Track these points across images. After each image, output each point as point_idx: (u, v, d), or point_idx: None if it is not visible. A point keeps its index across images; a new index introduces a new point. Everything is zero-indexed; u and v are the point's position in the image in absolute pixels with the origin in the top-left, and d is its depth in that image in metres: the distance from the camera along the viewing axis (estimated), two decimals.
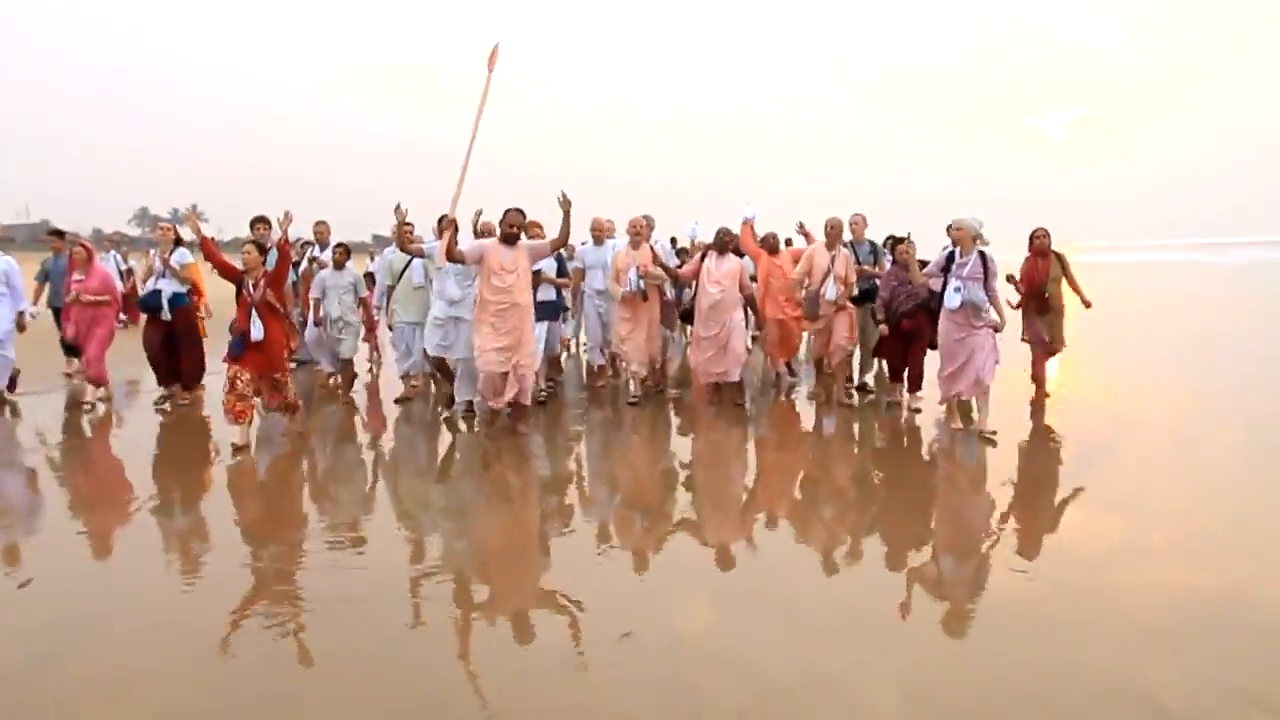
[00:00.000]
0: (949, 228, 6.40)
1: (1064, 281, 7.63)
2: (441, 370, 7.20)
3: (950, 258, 6.40)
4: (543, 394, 7.53)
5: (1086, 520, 4.70)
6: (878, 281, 7.82)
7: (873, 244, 8.02)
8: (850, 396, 7.74)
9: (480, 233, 7.24)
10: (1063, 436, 6.57)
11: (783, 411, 7.83)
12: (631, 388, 7.68)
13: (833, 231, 7.50)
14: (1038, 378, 7.76)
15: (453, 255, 6.29)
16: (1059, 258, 7.65)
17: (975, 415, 6.77)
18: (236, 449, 5.97)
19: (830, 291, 7.43)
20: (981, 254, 6.29)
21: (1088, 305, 7.96)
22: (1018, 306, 7.71)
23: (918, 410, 7.27)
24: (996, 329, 6.39)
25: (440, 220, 6.35)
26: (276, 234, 7.44)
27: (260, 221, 7.72)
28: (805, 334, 8.68)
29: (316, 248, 8.67)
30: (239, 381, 5.98)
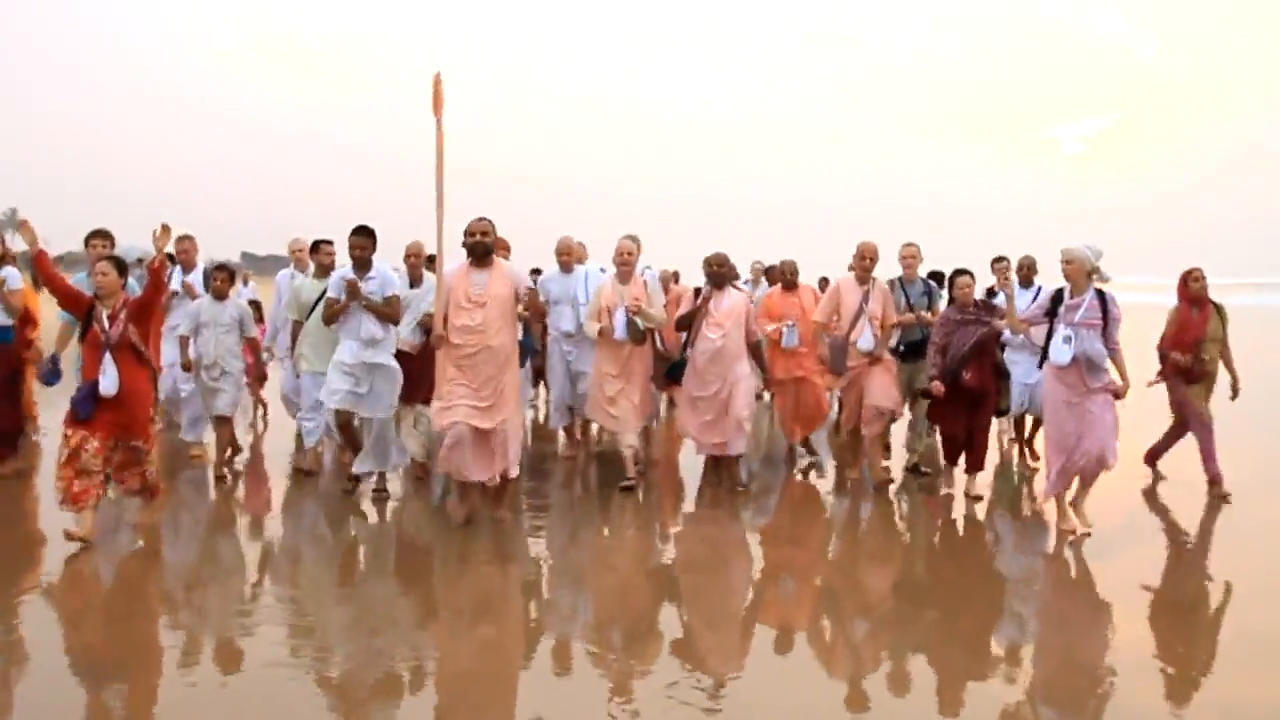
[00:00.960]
0: (1060, 260, 6.21)
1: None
2: (345, 432, 6.95)
3: (1057, 298, 6.23)
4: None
5: None
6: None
7: (927, 283, 7.95)
8: (887, 472, 7.60)
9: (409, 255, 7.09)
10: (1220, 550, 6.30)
11: (799, 497, 7.71)
12: (629, 467, 7.36)
13: (865, 260, 7.40)
14: (1211, 473, 7.39)
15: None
16: (1218, 310, 7.42)
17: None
18: (71, 537, 5.66)
19: (864, 339, 7.28)
20: (1100, 294, 6.13)
21: (1235, 389, 7.57)
22: (1161, 375, 7.47)
23: (978, 498, 7.14)
24: (1117, 395, 6.18)
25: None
26: (131, 252, 7.17)
27: (99, 237, 7.30)
28: (830, 395, 8.58)
29: (178, 270, 8.22)
30: (84, 452, 5.61)
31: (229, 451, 7.92)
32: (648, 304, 7.18)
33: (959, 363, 6.89)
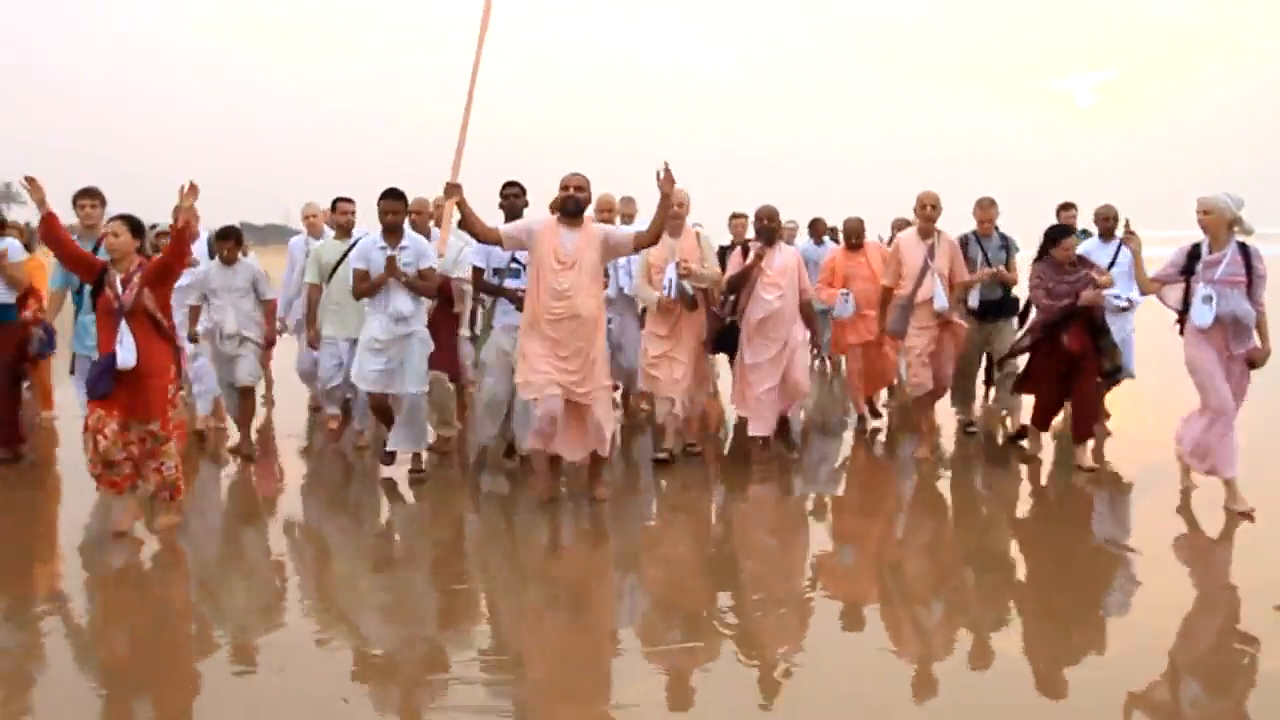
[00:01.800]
0: (1196, 210, 5.76)
1: None
2: (381, 414, 6.72)
3: (1194, 253, 5.86)
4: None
5: None
6: (1012, 290, 7.50)
7: (1005, 238, 7.59)
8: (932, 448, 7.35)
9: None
10: None
11: (867, 465, 7.44)
12: (667, 437, 7.10)
13: (926, 210, 7.05)
14: None
15: (484, 235, 5.82)
16: None
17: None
18: (120, 534, 5.42)
19: (939, 297, 6.95)
20: (1243, 247, 5.73)
21: None
22: None
23: (1092, 469, 6.78)
24: (1254, 363, 5.80)
25: (445, 191, 5.69)
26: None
27: (87, 196, 6.98)
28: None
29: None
30: (101, 437, 5.28)
31: (249, 425, 7.68)
32: (700, 262, 6.83)
33: (1055, 325, 6.62)
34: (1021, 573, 5.14)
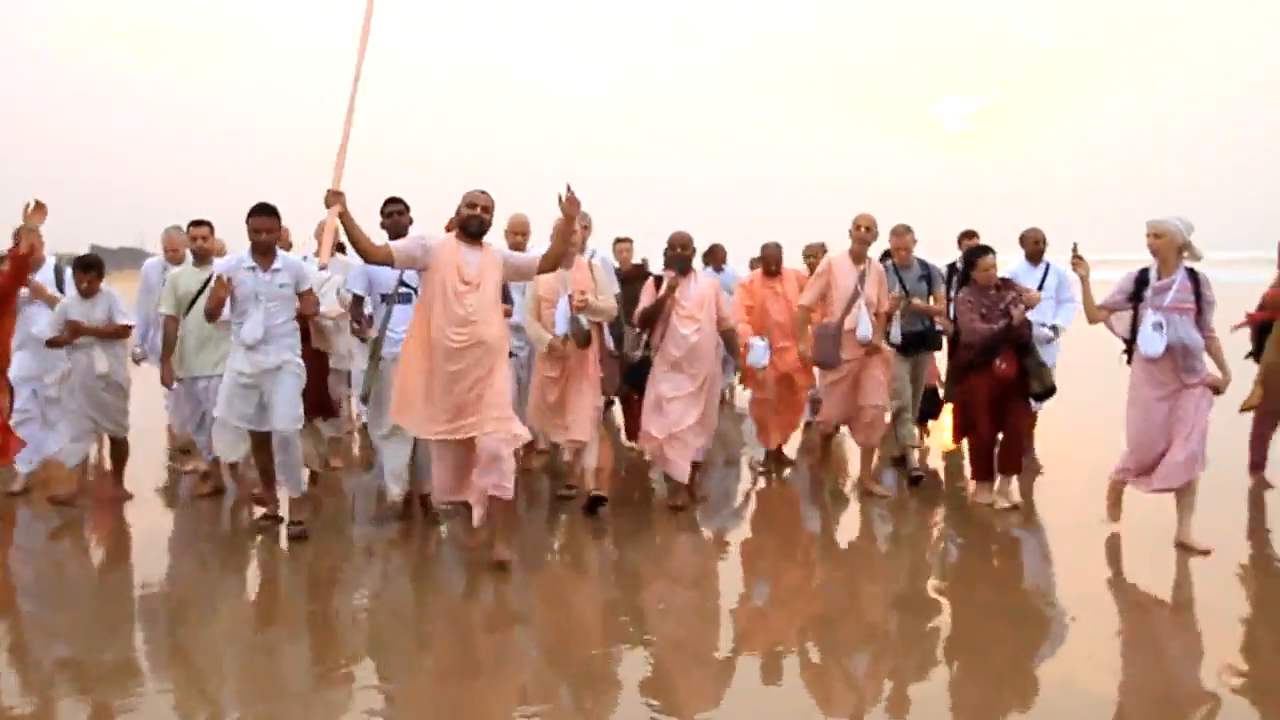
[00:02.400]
0: (1146, 234, 5.68)
1: None
2: (261, 456, 6.22)
3: (1142, 279, 5.76)
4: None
5: None
6: (935, 322, 7.35)
7: (925, 265, 7.45)
8: (879, 484, 7.15)
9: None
10: None
11: (777, 506, 7.14)
12: (586, 478, 6.65)
13: (863, 232, 6.86)
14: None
15: (370, 252, 5.33)
16: None
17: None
18: None
19: (862, 327, 6.74)
20: (1192, 273, 5.66)
21: None
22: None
23: (1015, 506, 6.60)
24: (1216, 390, 5.70)
25: (326, 200, 5.20)
26: None
27: None
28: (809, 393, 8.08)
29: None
30: None
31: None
32: (596, 293, 6.44)
33: (988, 352, 6.43)
34: (949, 626, 4.78)
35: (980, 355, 6.46)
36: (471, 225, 5.47)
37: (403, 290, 6.06)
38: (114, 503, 6.92)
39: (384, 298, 6.12)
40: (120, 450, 7.07)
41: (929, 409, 8.09)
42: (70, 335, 6.57)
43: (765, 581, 5.55)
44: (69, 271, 7.20)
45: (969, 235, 8.56)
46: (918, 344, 7.34)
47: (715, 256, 10.63)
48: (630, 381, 6.71)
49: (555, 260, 5.59)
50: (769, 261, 7.81)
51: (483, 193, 5.55)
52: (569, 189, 5.38)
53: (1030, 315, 6.60)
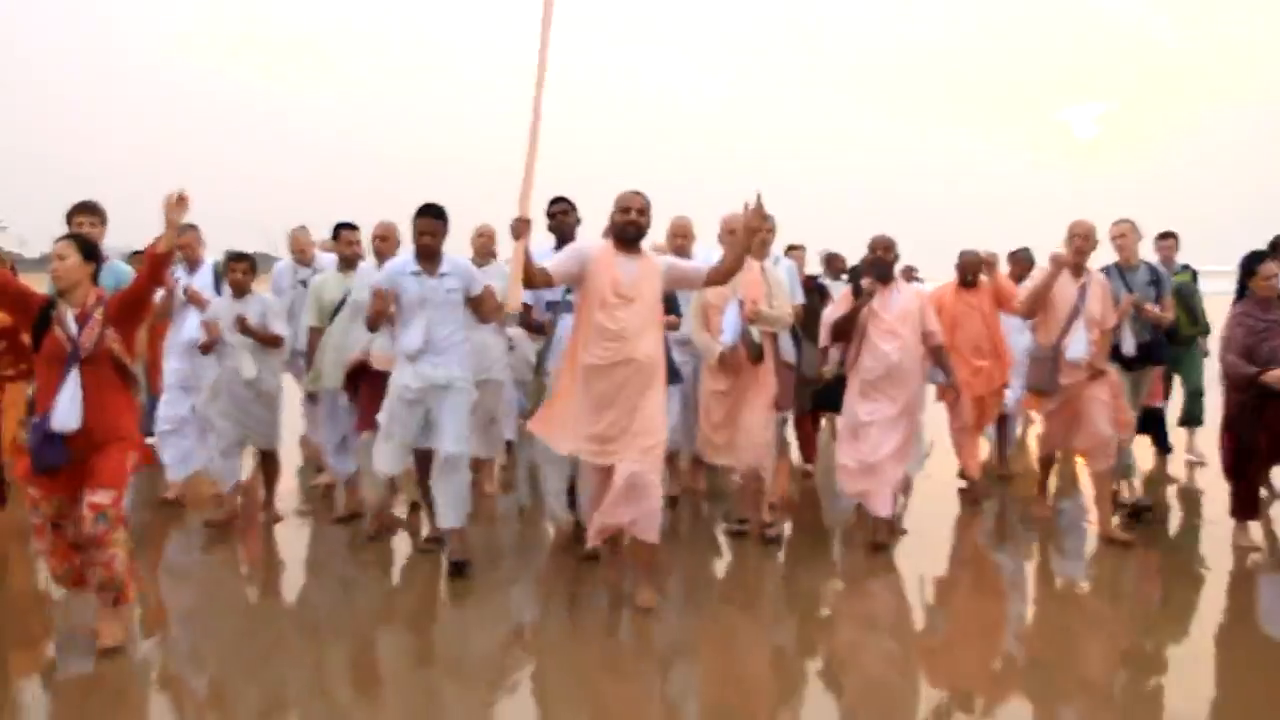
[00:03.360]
0: None
1: None
2: (423, 475, 5.77)
3: None
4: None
5: None
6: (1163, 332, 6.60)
7: (1154, 269, 6.66)
8: (1122, 525, 6.28)
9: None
10: None
11: (980, 539, 6.39)
12: (748, 507, 6.11)
13: (1079, 244, 6.11)
14: None
15: (535, 279, 4.98)
16: None
17: None
18: (103, 649, 4.37)
19: (1075, 346, 6.01)
20: None
21: None
22: None
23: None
24: None
25: (514, 229, 4.88)
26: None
27: (85, 211, 5.92)
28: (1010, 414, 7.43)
29: (181, 269, 6.93)
30: (38, 516, 4.38)
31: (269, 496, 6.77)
32: (769, 301, 5.84)
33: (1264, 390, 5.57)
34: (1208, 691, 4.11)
35: (1247, 390, 5.60)
36: (628, 232, 5.01)
37: (570, 299, 5.57)
38: (264, 524, 6.56)
39: (549, 305, 5.70)
40: (270, 465, 6.69)
41: (1150, 430, 7.32)
42: (217, 335, 6.19)
43: (970, 625, 4.91)
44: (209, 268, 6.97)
45: (1164, 236, 7.81)
46: (1145, 358, 6.51)
47: (833, 265, 9.71)
48: (822, 403, 6.11)
49: (728, 274, 5.07)
50: (966, 270, 7.06)
51: (636, 193, 5.09)
52: (758, 198, 4.85)
53: None
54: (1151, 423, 7.26)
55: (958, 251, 7.15)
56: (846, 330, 5.89)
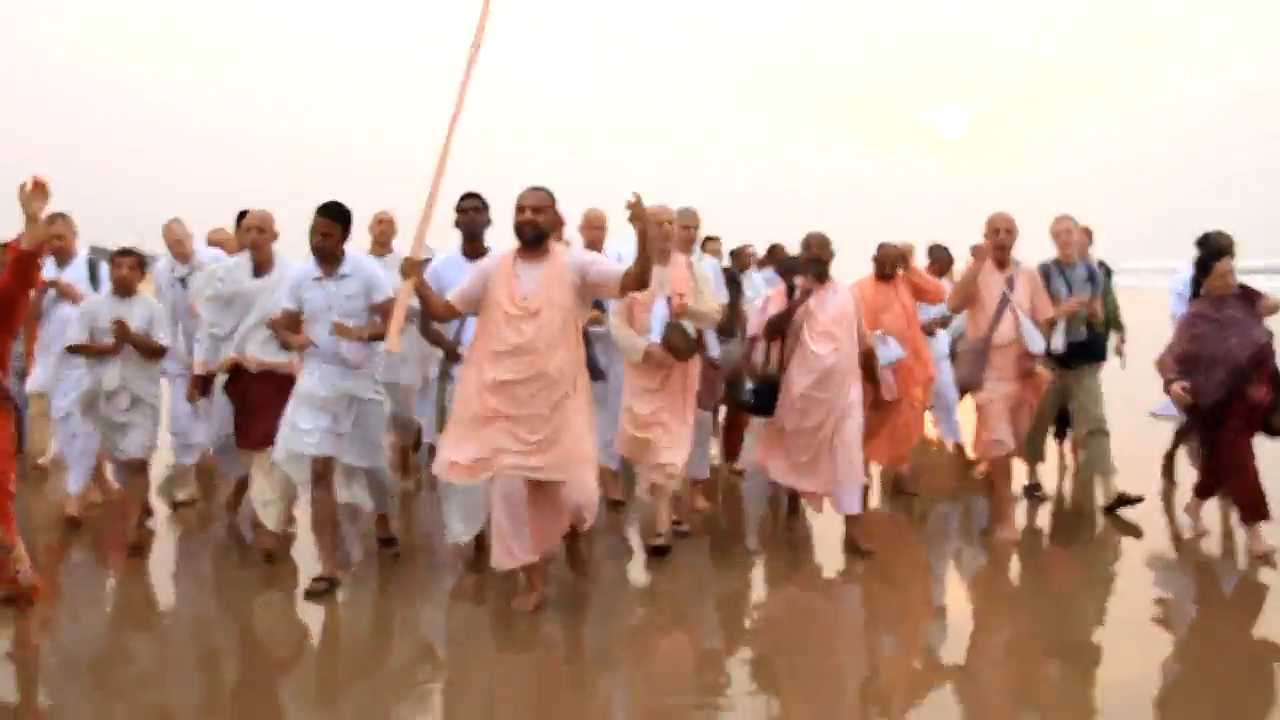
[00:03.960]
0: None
1: None
2: (322, 487, 5.23)
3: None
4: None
5: None
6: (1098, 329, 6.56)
7: (1091, 267, 6.58)
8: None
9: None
10: None
11: (917, 547, 6.26)
12: (660, 519, 5.83)
13: (1000, 235, 6.02)
14: None
15: (440, 312, 4.84)
16: None
17: None
18: None
19: (1033, 338, 5.86)
20: None
21: None
22: None
23: (1265, 556, 5.55)
24: None
25: (403, 269, 4.66)
26: None
27: None
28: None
29: (51, 263, 6.35)
30: None
31: (141, 513, 6.08)
32: (696, 296, 5.63)
33: (1239, 376, 5.52)
34: (1147, 689, 4.05)
35: (1206, 385, 5.52)
36: (524, 233, 4.69)
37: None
38: (133, 547, 5.84)
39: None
40: (140, 480, 5.98)
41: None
42: (117, 342, 5.60)
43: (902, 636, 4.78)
44: (105, 268, 6.37)
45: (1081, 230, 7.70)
46: (1080, 355, 6.41)
47: (740, 259, 9.48)
48: (757, 405, 5.86)
49: (639, 280, 4.63)
50: (885, 263, 6.89)
51: (532, 190, 4.76)
52: (634, 195, 4.49)
53: None
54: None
55: (876, 244, 7.00)
56: (780, 330, 5.68)
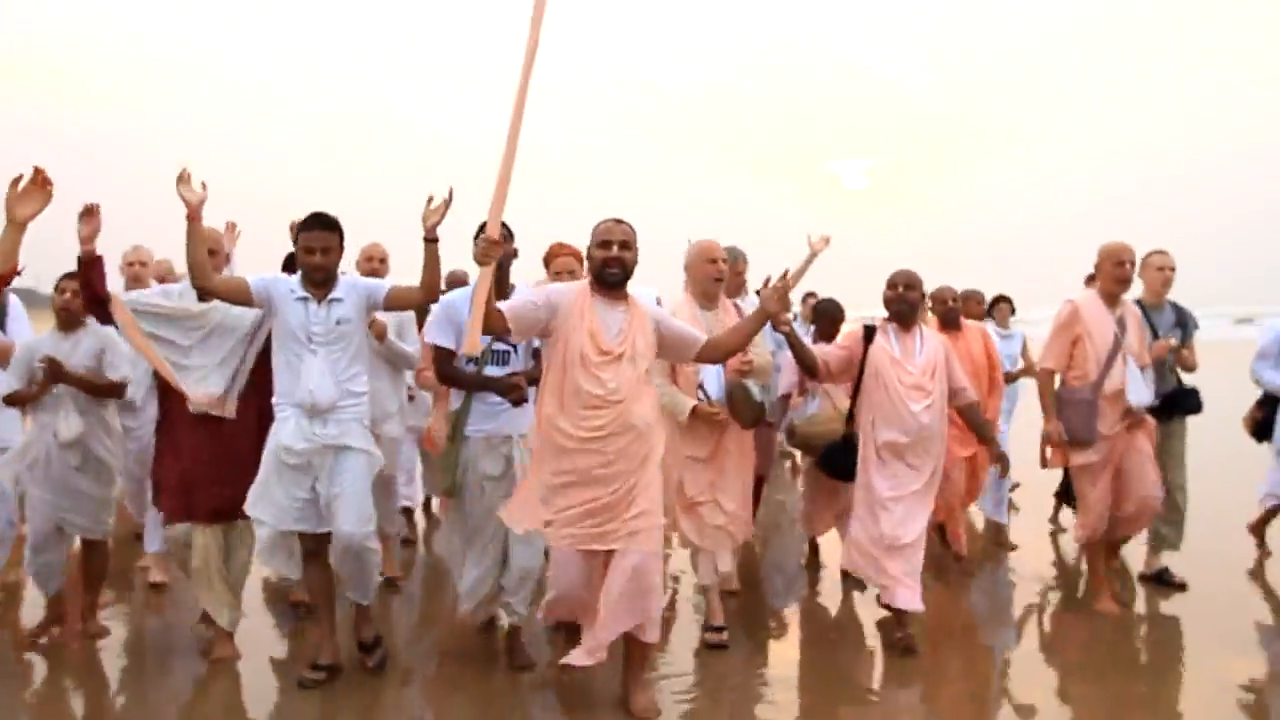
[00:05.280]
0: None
1: None
2: (314, 566, 4.49)
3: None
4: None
5: None
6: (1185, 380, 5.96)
7: (1180, 310, 5.89)
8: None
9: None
10: None
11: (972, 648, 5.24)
12: (714, 612, 5.02)
13: (1125, 270, 5.30)
14: None
15: (490, 322, 3.88)
16: None
17: None
18: None
19: (1137, 389, 5.21)
20: None
21: None
22: None
23: None
24: None
25: (481, 252, 3.83)
26: None
27: None
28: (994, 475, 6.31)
29: None
30: None
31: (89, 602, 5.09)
32: (752, 352, 4.85)
33: None
34: None
35: None
36: (610, 274, 4.04)
37: (499, 347, 4.48)
38: (84, 638, 4.91)
39: (467, 360, 4.44)
40: (95, 561, 5.00)
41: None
42: (45, 385, 4.66)
43: None
44: (15, 302, 5.51)
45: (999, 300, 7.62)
46: (1169, 408, 5.72)
47: (943, 307, 8.87)
48: (831, 468, 5.04)
49: (737, 348, 4.31)
50: (950, 312, 6.09)
51: (618, 223, 4.12)
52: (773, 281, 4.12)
53: None
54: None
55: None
56: (837, 376, 4.98)
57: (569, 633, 4.64)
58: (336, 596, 4.49)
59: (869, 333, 4.89)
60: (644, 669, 4.20)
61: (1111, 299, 5.27)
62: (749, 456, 4.97)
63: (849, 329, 5.33)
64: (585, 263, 4.29)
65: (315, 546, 4.38)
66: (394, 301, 4.39)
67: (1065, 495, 7.02)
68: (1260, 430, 6.51)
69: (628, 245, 4.06)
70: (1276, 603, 5.58)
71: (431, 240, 4.14)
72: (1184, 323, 5.81)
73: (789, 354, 5.21)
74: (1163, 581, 5.75)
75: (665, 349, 4.20)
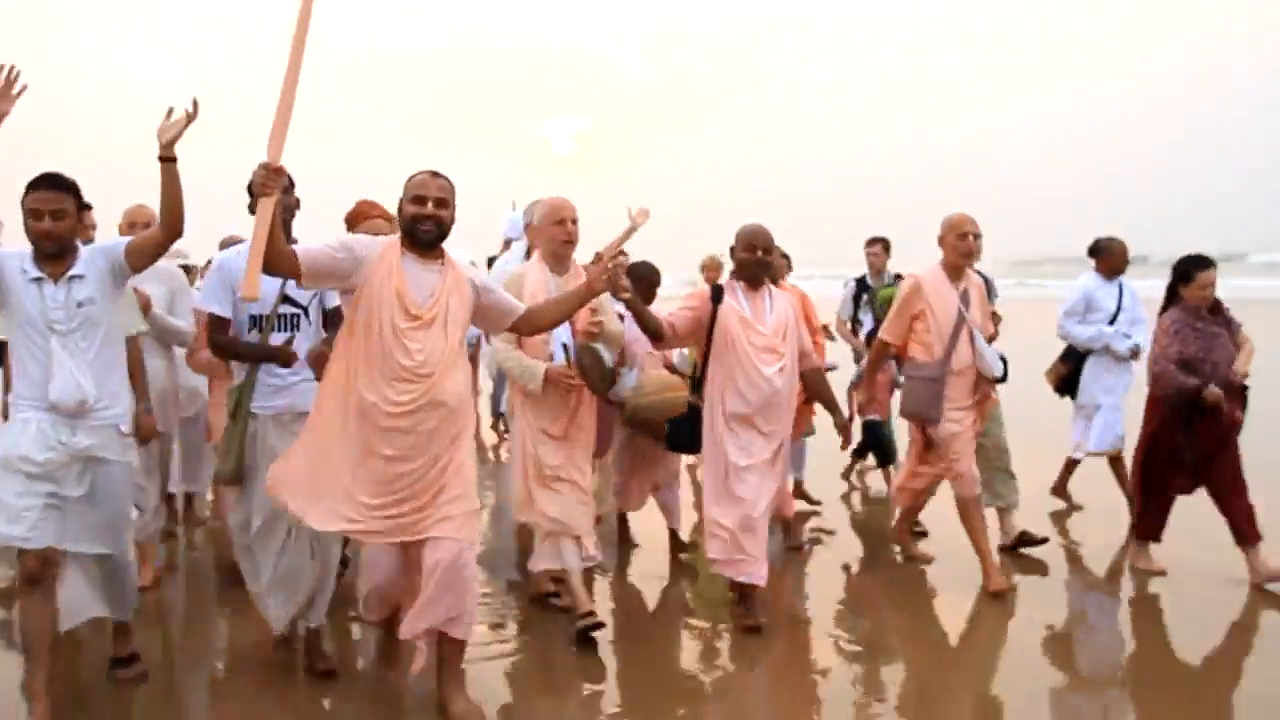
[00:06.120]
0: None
1: None
2: (34, 600, 3.71)
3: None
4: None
5: None
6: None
7: (987, 277, 5.94)
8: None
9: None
10: None
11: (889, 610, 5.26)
12: (579, 598, 4.65)
13: (970, 243, 5.27)
14: None
15: (281, 259, 3.45)
16: None
17: None
18: None
19: (990, 361, 5.23)
20: None
21: None
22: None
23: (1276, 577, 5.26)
24: None
25: (260, 182, 3.36)
26: None
27: None
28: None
29: None
30: None
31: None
32: (599, 313, 4.63)
33: (1227, 389, 5.24)
34: None
35: (1182, 413, 5.27)
36: (423, 232, 3.69)
37: (286, 310, 4.05)
38: None
39: (255, 321, 4.02)
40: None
41: (878, 448, 7.06)
42: None
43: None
44: None
45: (874, 241, 7.41)
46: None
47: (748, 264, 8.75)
48: (676, 442, 4.84)
49: (555, 322, 4.10)
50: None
51: (434, 175, 3.77)
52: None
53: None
54: (874, 438, 7.05)
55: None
56: (684, 334, 4.73)
57: (390, 631, 4.27)
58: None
59: (717, 292, 4.72)
60: (459, 668, 3.87)
61: (955, 271, 5.26)
62: (590, 430, 4.70)
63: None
64: (395, 220, 3.91)
65: (39, 569, 3.60)
66: (137, 254, 3.70)
67: (863, 451, 7.36)
68: (1064, 385, 6.73)
69: (444, 203, 3.71)
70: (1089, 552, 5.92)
71: (169, 159, 3.48)
72: (990, 288, 5.88)
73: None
74: (1027, 543, 5.84)
75: (481, 317, 3.91)
